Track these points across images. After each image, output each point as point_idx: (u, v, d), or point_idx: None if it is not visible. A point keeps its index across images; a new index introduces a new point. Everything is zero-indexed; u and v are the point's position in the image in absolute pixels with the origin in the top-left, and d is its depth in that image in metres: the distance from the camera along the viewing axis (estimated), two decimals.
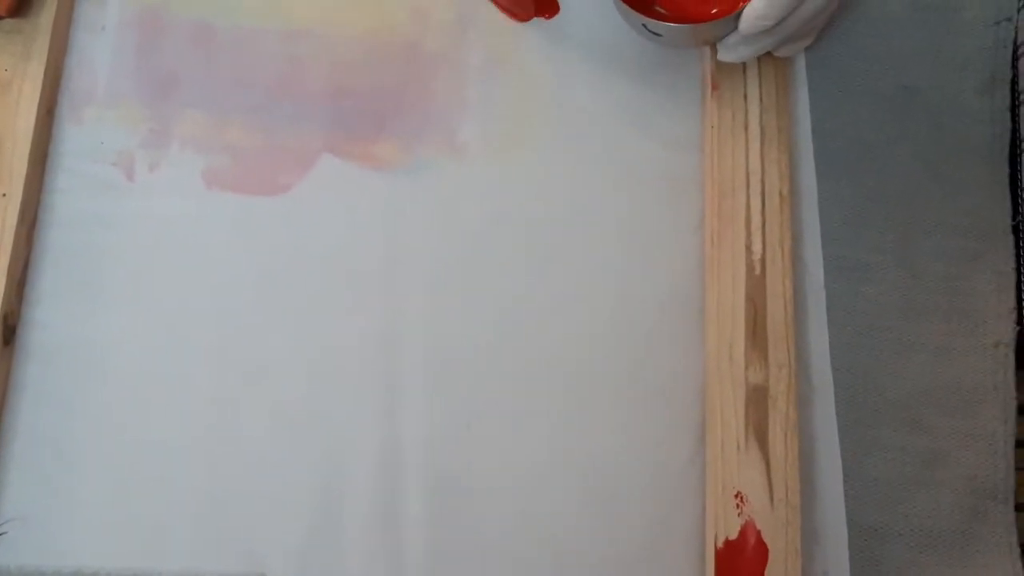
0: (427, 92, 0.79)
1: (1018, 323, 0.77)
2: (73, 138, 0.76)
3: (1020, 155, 0.80)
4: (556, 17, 0.83)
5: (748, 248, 0.74)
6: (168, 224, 0.75)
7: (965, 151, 0.81)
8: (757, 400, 0.71)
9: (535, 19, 0.82)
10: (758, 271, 0.73)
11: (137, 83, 0.77)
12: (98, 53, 0.78)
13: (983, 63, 0.82)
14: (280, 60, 0.79)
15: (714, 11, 0.76)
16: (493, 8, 0.82)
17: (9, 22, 0.75)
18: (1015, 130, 0.81)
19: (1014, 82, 0.82)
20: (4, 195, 0.71)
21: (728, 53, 0.75)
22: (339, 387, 0.73)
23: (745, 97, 0.78)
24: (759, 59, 0.78)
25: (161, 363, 0.72)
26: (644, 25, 0.73)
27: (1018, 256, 0.78)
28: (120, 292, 0.73)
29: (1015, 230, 0.79)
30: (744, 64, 0.78)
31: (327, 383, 0.73)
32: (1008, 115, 0.81)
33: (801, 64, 0.81)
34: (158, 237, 0.74)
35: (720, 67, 0.78)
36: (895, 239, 0.78)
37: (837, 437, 0.74)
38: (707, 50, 0.80)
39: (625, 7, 0.73)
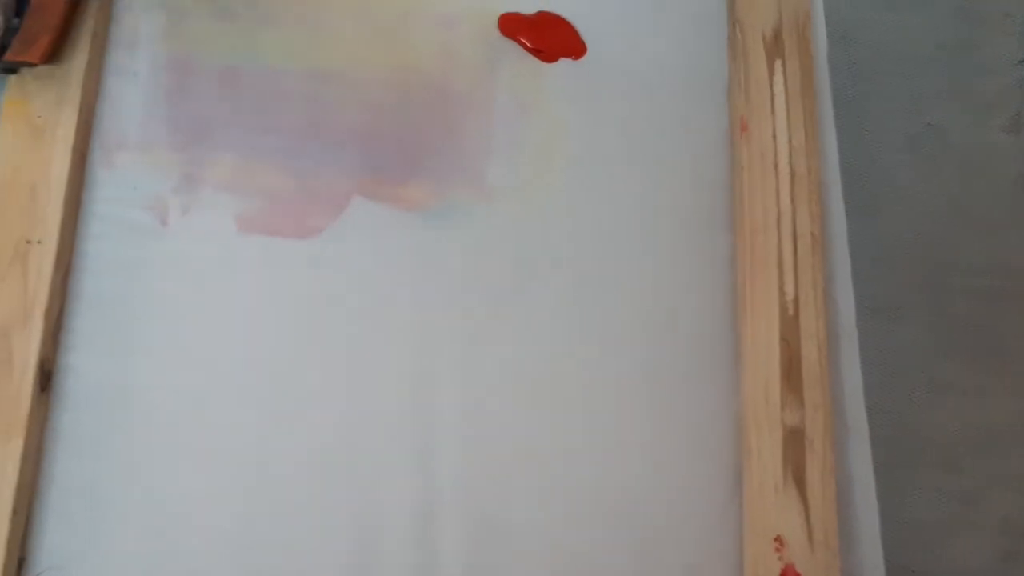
0: (456, 133, 0.81)
1: None
2: (106, 183, 0.77)
3: None
4: (583, 58, 0.84)
5: (781, 289, 0.75)
6: (201, 268, 0.76)
7: (993, 189, 0.82)
8: (794, 442, 0.72)
9: (562, 59, 0.83)
10: (791, 312, 0.74)
11: (169, 128, 0.79)
12: (130, 98, 0.79)
13: (1009, 101, 0.84)
14: (309, 102, 0.80)
15: None
16: (520, 49, 0.83)
17: (42, 68, 0.76)
18: None
19: None
20: (39, 242, 0.72)
21: None
22: (373, 430, 0.73)
23: (775, 138, 0.79)
24: (788, 99, 0.80)
25: (196, 408, 0.73)
26: None
27: None
28: (154, 337, 0.74)
29: None
30: (773, 105, 0.80)
31: (361, 426, 0.73)
32: None
33: (828, 105, 0.83)
34: (192, 281, 0.75)
35: (750, 108, 0.79)
36: (925, 279, 0.79)
37: (873, 479, 0.74)
38: (735, 91, 0.81)
39: None
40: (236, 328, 0.75)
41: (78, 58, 0.77)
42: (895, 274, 0.79)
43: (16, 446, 0.68)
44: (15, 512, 0.67)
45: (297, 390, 0.74)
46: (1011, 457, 0.76)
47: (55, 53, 0.76)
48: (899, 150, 0.82)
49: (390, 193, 0.79)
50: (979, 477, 0.75)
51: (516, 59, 0.83)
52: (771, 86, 0.81)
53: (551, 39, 0.84)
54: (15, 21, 0.75)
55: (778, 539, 0.70)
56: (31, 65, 0.75)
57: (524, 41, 0.83)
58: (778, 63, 0.81)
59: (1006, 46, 0.84)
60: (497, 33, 0.83)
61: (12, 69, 0.76)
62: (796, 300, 0.75)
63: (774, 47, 0.82)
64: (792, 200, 0.77)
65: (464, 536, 0.72)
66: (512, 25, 0.83)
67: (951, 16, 0.85)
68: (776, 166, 0.78)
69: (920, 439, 0.75)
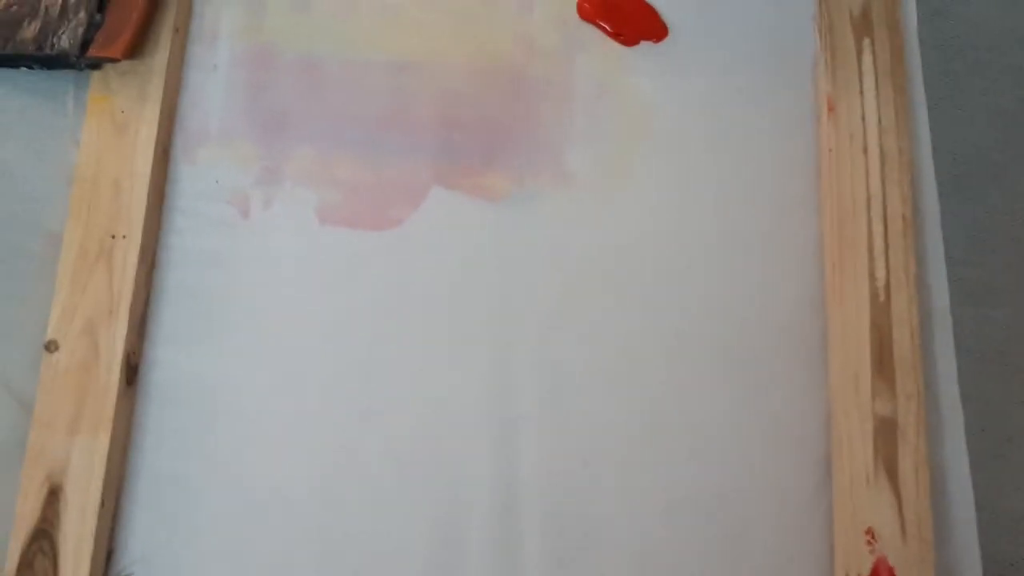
0: (534, 121, 0.80)
1: None
2: (188, 178, 0.78)
3: None
4: (664, 41, 0.82)
5: (872, 274, 0.73)
6: (283, 261, 0.76)
7: None
8: (886, 432, 0.70)
9: (642, 43, 0.82)
10: (883, 298, 0.73)
11: (249, 121, 0.79)
12: (211, 93, 0.80)
13: None
14: (388, 93, 0.80)
15: None
16: (599, 33, 0.82)
17: (125, 64, 0.77)
18: None
19: None
20: (124, 237, 0.73)
21: None
22: (454, 424, 0.73)
23: (863, 118, 0.77)
24: (877, 78, 0.78)
25: (279, 400, 0.73)
26: None
27: None
28: (238, 329, 0.75)
29: None
30: (862, 84, 0.77)
31: (442, 420, 0.73)
32: None
33: (919, 83, 0.80)
34: (274, 274, 0.76)
35: (837, 87, 0.77)
36: (1022, 261, 0.76)
37: (968, 469, 0.72)
38: (821, 70, 0.79)
39: None
40: (318, 320, 0.75)
41: (160, 53, 0.78)
42: (991, 257, 0.76)
43: (103, 440, 0.69)
44: (103, 505, 0.68)
45: (379, 381, 0.74)
46: None
47: (137, 48, 0.77)
48: (994, 128, 0.79)
49: (469, 182, 0.78)
50: None
51: (596, 43, 0.82)
52: (859, 64, 0.78)
53: (631, 22, 0.82)
54: (98, 17, 0.76)
55: (869, 531, 0.68)
56: (114, 61, 0.76)
57: (604, 25, 0.82)
58: (866, 41, 0.79)
59: None
60: (576, 17, 0.82)
61: (96, 65, 0.77)
62: (887, 285, 0.73)
63: (862, 24, 0.79)
64: (882, 182, 0.75)
65: (546, 532, 0.72)
66: (591, 9, 0.82)
67: None
68: (865, 147, 0.76)
69: (1017, 428, 0.73)
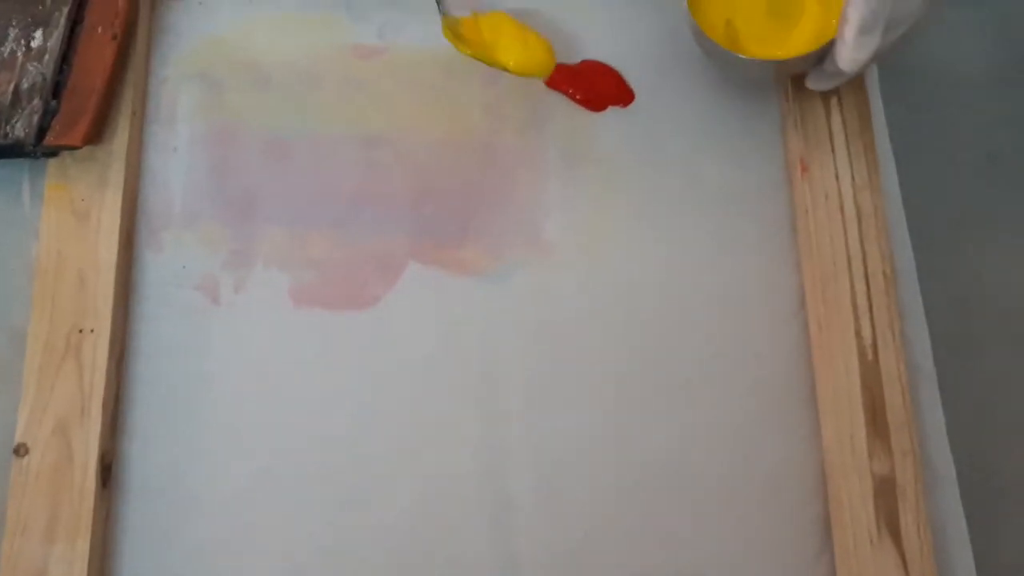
0: (508, 191, 0.79)
1: None
2: (154, 264, 0.75)
3: None
4: (631, 105, 0.82)
5: (858, 333, 0.73)
6: (257, 345, 0.74)
7: None
8: (885, 492, 0.70)
9: (610, 108, 0.82)
10: (871, 356, 0.73)
11: (214, 203, 0.77)
12: (172, 175, 0.78)
13: None
14: (357, 167, 0.79)
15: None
16: (566, 100, 0.82)
17: (83, 150, 0.74)
18: None
19: None
20: (92, 330, 0.70)
21: (820, 83, 0.74)
22: (445, 508, 0.71)
23: (837, 177, 0.77)
24: (847, 137, 0.78)
25: (259, 491, 0.71)
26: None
27: None
28: (215, 419, 0.72)
29: None
30: (832, 144, 0.78)
31: (432, 504, 0.72)
32: None
33: (884, 138, 0.81)
34: (248, 360, 0.74)
35: (809, 148, 0.78)
36: (1002, 312, 0.77)
37: (964, 524, 0.72)
38: (791, 131, 0.79)
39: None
40: (296, 405, 0.73)
41: (118, 138, 0.76)
42: (971, 310, 0.77)
43: (82, 547, 0.66)
44: None
45: (363, 466, 0.72)
46: None
47: (96, 134, 0.75)
48: (961, 180, 0.81)
49: (446, 257, 0.77)
50: None
51: (564, 111, 0.82)
52: (829, 124, 0.79)
53: (598, 88, 0.82)
54: (53, 103, 0.74)
55: None
56: (74, 148, 0.73)
57: (571, 92, 0.82)
58: (834, 100, 0.80)
59: None
60: (542, 86, 0.82)
61: (53, 153, 0.74)
62: (875, 344, 0.73)
63: None
64: (861, 240, 0.76)
65: None
66: (558, 76, 0.81)
67: (1007, 41, 0.84)
68: (841, 207, 0.77)
69: (1012, 479, 0.73)
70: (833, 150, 0.79)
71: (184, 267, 0.75)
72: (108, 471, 0.70)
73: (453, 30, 0.76)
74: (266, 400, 0.73)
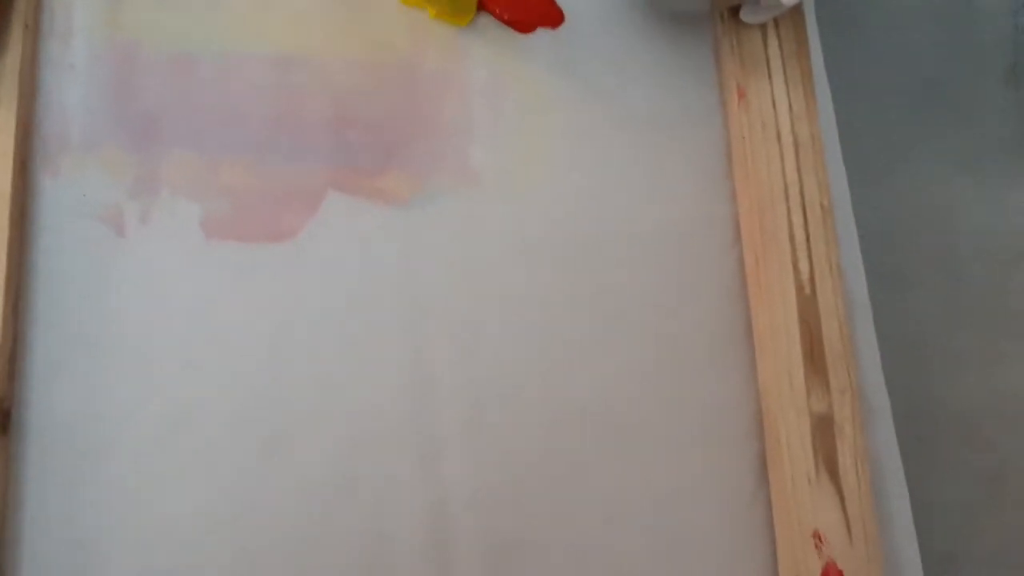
0: (433, 116, 0.75)
1: None
2: (52, 192, 0.70)
3: None
4: (561, 27, 0.79)
5: (795, 266, 0.71)
6: (168, 280, 0.69)
7: (995, 145, 0.79)
8: (823, 429, 0.68)
9: (539, 29, 0.78)
10: (808, 291, 0.71)
11: (116, 126, 0.72)
12: (69, 95, 0.72)
13: (1004, 53, 0.81)
14: (272, 90, 0.74)
15: None
16: (494, 21, 0.78)
17: None
18: None
19: None
20: None
21: (755, 16, 0.72)
22: (371, 447, 0.68)
23: (774, 105, 0.75)
24: (784, 63, 0.76)
25: (173, 432, 0.67)
26: None
27: None
28: (121, 359, 0.67)
29: None
30: (770, 70, 0.76)
31: (357, 443, 0.68)
32: None
33: (820, 65, 0.79)
34: (158, 296, 0.69)
35: (746, 73, 0.75)
36: (935, 244, 0.76)
37: (900, 461, 0.71)
38: (727, 56, 0.76)
39: None
40: (211, 344, 0.69)
41: (10, 53, 0.69)
42: (904, 242, 0.76)
43: None
44: None
45: (284, 406, 0.68)
46: None
47: None
48: (896, 109, 0.79)
49: (367, 185, 0.73)
50: (1006, 451, 0.73)
51: (491, 32, 0.78)
52: (766, 49, 0.76)
53: (526, 8, 0.78)
54: None
55: (816, 534, 0.66)
56: None
57: (498, 12, 0.78)
58: (770, 26, 0.77)
59: None
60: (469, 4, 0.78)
61: None
62: (812, 278, 0.71)
63: None
64: (798, 170, 0.73)
65: (480, 549, 0.67)
66: None
67: None
68: (779, 135, 0.74)
69: (942, 415, 0.73)
70: (770, 76, 0.76)
71: (85, 195, 0.70)
72: (7, 416, 0.65)
73: None
74: (178, 338, 0.68)
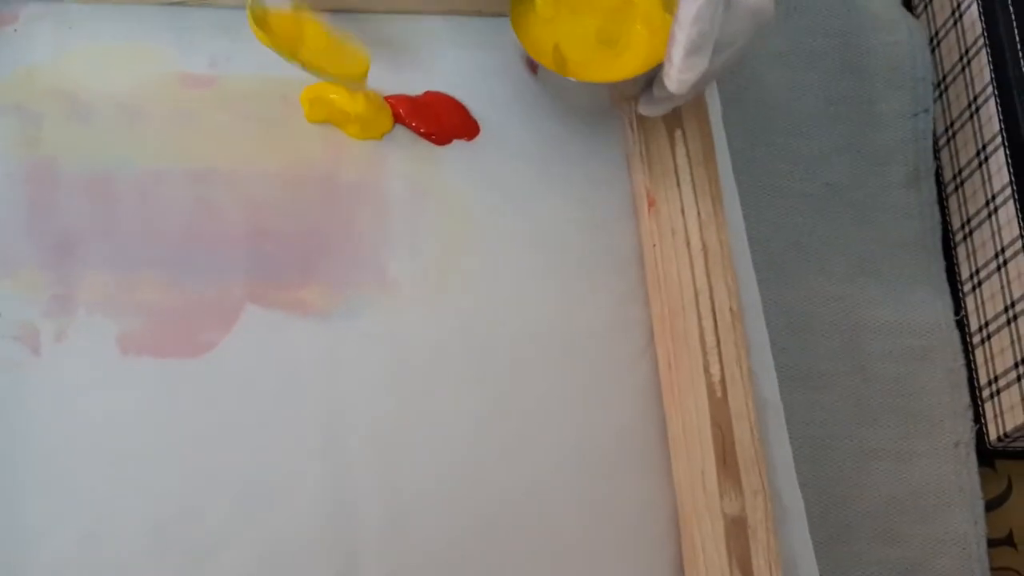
0: (350, 228, 0.77)
1: (975, 420, 0.78)
2: None
3: (954, 248, 0.82)
4: (476, 139, 0.81)
5: (707, 370, 0.73)
6: (84, 398, 0.69)
7: (898, 247, 0.82)
8: (737, 532, 0.69)
9: (455, 141, 0.80)
10: (719, 393, 0.73)
11: (32, 245, 0.72)
12: None
13: (905, 156, 0.84)
14: (188, 204, 0.75)
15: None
16: (410, 133, 0.80)
17: None
18: (944, 223, 0.83)
19: (938, 174, 0.84)
20: None
21: (651, 109, 0.74)
22: (291, 562, 0.68)
23: (683, 212, 0.77)
24: (691, 170, 0.78)
25: (91, 550, 0.66)
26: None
27: (966, 351, 0.79)
28: (38, 480, 0.67)
29: (959, 325, 0.80)
30: (678, 178, 0.78)
31: (277, 559, 0.68)
32: (936, 208, 0.83)
33: (728, 171, 0.81)
34: (74, 414, 0.69)
35: (655, 182, 0.77)
36: (843, 343, 0.78)
37: (814, 559, 0.73)
38: (637, 164, 0.79)
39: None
40: (129, 461, 0.69)
41: None
42: (813, 341, 0.77)
43: None
44: None
45: (204, 525, 0.68)
46: (948, 521, 0.75)
47: None
48: (801, 212, 0.81)
49: (286, 298, 0.74)
50: (919, 545, 0.74)
51: (407, 144, 0.80)
52: (674, 157, 0.79)
53: (442, 121, 0.80)
54: None
55: None
56: None
57: (414, 125, 0.79)
58: (678, 133, 0.80)
59: (898, 100, 0.85)
60: None
61: None
62: (723, 380, 0.73)
63: (672, 117, 0.80)
64: (707, 275, 0.76)
65: None
66: (398, 108, 0.79)
67: (840, 71, 0.85)
68: (688, 242, 0.76)
69: (856, 511, 0.74)
70: (679, 184, 0.78)
71: (0, 315, 0.70)
72: None
73: (259, 18, 0.72)
74: (92, 458, 0.68)
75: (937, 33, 0.89)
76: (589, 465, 0.73)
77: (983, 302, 0.79)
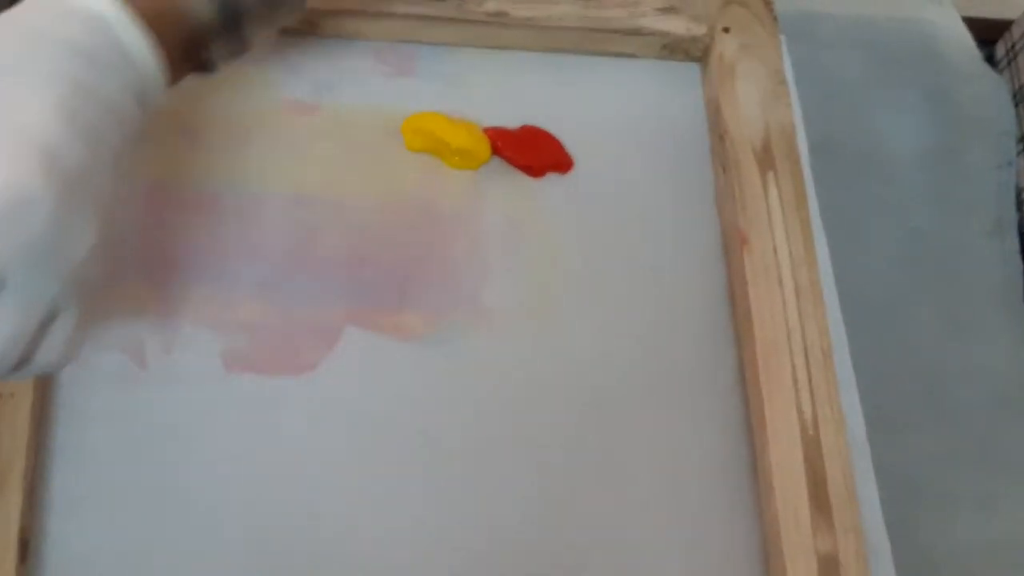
0: (447, 257, 0.78)
1: None
2: None
3: None
4: (570, 172, 0.82)
5: (799, 408, 0.74)
6: (188, 412, 0.70)
7: (981, 295, 0.83)
8: (829, 570, 0.70)
9: (549, 174, 0.81)
10: (811, 431, 0.73)
11: (142, 261, 0.73)
12: None
13: (988, 206, 0.85)
14: (292, 228, 0.76)
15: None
16: (506, 165, 0.81)
17: None
18: None
19: (1020, 225, 0.85)
20: (12, 395, 0.65)
21: None
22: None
23: (775, 252, 0.78)
24: (784, 212, 0.79)
25: (193, 567, 0.67)
26: None
27: None
28: (141, 491, 0.68)
29: None
30: (770, 218, 0.79)
31: (374, 573, 0.68)
32: (1019, 258, 0.84)
33: (816, 215, 0.83)
34: (178, 428, 0.70)
35: (748, 222, 0.78)
36: (928, 389, 0.79)
37: None
38: (728, 204, 0.80)
39: None
40: (230, 476, 0.69)
41: None
42: (899, 386, 0.78)
43: None
44: None
45: (302, 540, 0.69)
46: None
47: None
48: (886, 258, 0.82)
49: (384, 322, 0.75)
50: None
51: (503, 176, 0.81)
52: (766, 199, 0.80)
53: (537, 153, 0.82)
54: None
55: None
56: None
57: (510, 156, 0.81)
58: (770, 175, 0.81)
59: (984, 151, 0.86)
60: None
61: None
62: (815, 419, 0.73)
63: (764, 159, 0.81)
64: (799, 315, 0.76)
65: None
66: (496, 140, 0.80)
67: (929, 123, 0.87)
68: (780, 281, 0.77)
69: (940, 555, 0.74)
70: (771, 224, 0.79)
71: (108, 328, 0.71)
72: (25, 546, 0.65)
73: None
74: (197, 472, 0.69)
75: (1021, 88, 0.91)
76: (677, 503, 0.74)
77: None
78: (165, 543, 0.67)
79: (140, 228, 0.74)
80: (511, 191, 0.81)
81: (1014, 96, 0.89)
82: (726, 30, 0.86)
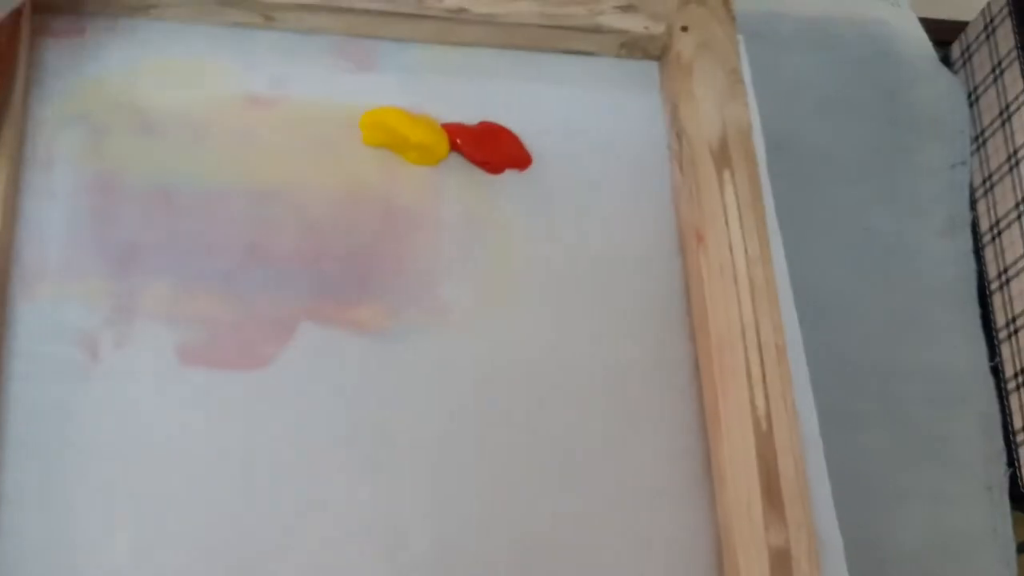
0: (406, 250, 0.78)
1: (1009, 464, 0.79)
2: (28, 318, 0.70)
3: (989, 296, 0.84)
4: (528, 169, 0.82)
5: (752, 403, 0.74)
6: (140, 407, 0.70)
7: (933, 294, 0.84)
8: (781, 564, 0.70)
9: (507, 171, 0.82)
10: (764, 427, 0.74)
11: (95, 254, 0.73)
12: (50, 223, 0.73)
13: (942, 206, 0.86)
14: (248, 222, 0.76)
15: None
16: (464, 161, 0.81)
17: None
18: (980, 272, 0.84)
19: (974, 224, 0.86)
20: None
21: None
22: (342, 572, 0.68)
23: (731, 249, 0.79)
24: (739, 210, 0.80)
25: (143, 561, 0.66)
26: None
27: (1000, 397, 0.80)
28: (93, 487, 0.67)
29: (994, 371, 0.81)
30: (726, 216, 0.79)
31: (327, 571, 0.68)
32: (972, 257, 0.84)
33: (772, 213, 0.83)
34: (130, 421, 0.69)
35: (705, 219, 0.79)
36: (880, 387, 0.79)
37: None
38: (685, 202, 0.81)
39: None
40: (183, 470, 0.69)
41: None
42: (852, 383, 0.79)
43: None
44: None
45: (255, 536, 0.68)
46: (980, 562, 0.76)
47: None
48: (841, 256, 0.83)
49: (341, 316, 0.75)
50: None
51: (462, 171, 0.81)
52: (723, 197, 0.80)
53: (496, 150, 0.82)
54: None
55: None
56: None
57: (468, 153, 0.81)
58: (727, 173, 0.81)
59: (938, 151, 0.87)
60: None
61: None
62: (768, 414, 0.74)
63: (721, 157, 0.82)
64: (754, 312, 0.77)
65: None
66: (455, 136, 0.80)
67: (883, 122, 0.87)
68: (736, 278, 0.78)
69: (892, 551, 0.75)
70: (727, 222, 0.80)
71: (60, 321, 0.71)
72: None
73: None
74: (149, 466, 0.69)
75: (976, 88, 0.92)
76: (632, 497, 0.74)
77: (1019, 349, 0.81)
78: (118, 537, 0.67)
79: (96, 219, 0.74)
80: (470, 187, 0.81)
81: (969, 96, 0.90)
82: (684, 29, 0.86)
